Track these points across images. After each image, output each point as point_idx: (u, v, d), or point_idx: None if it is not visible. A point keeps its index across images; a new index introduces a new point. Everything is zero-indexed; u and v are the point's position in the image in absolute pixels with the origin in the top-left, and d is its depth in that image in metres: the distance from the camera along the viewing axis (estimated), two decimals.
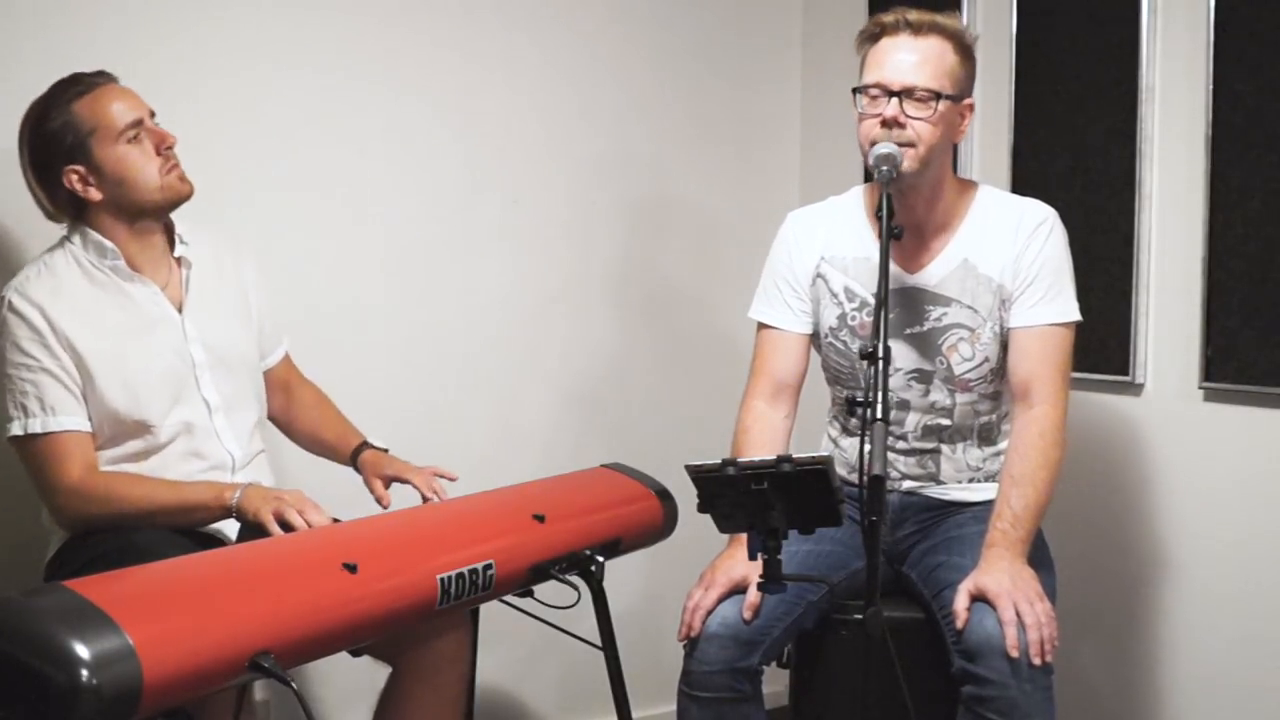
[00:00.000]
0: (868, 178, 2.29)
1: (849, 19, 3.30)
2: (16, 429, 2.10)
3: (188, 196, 2.22)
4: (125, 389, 2.14)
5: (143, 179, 2.16)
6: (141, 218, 2.20)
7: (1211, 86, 2.47)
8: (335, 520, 2.13)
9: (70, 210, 2.19)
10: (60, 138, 2.13)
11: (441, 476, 2.40)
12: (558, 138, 3.16)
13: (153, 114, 2.20)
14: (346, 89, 2.83)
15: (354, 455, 2.45)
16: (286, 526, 2.05)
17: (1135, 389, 2.66)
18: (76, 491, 2.09)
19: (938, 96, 2.14)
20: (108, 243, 2.18)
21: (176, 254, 2.28)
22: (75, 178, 2.14)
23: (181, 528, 2.12)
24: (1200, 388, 2.54)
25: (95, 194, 2.16)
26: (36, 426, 2.09)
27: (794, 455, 1.77)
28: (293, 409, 2.52)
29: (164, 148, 2.18)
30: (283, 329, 2.53)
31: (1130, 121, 2.63)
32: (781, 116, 3.52)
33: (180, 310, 2.25)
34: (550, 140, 3.15)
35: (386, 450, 2.45)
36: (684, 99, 3.35)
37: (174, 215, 2.26)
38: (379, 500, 2.35)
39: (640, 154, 3.29)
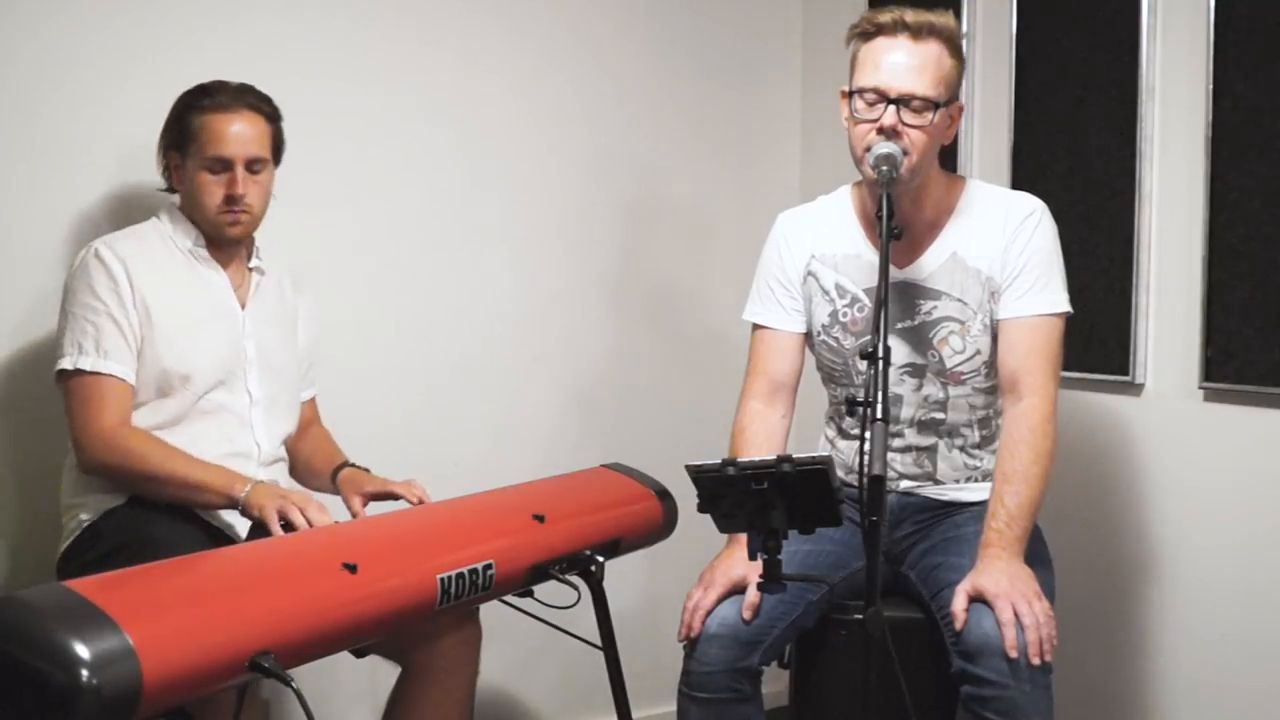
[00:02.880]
0: None
1: (849, 20, 3.28)
2: (67, 363, 2.18)
3: (232, 240, 2.33)
4: (180, 353, 2.23)
5: (201, 205, 2.29)
6: (201, 226, 2.33)
7: (1211, 86, 2.47)
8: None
9: (165, 178, 2.35)
10: (176, 126, 2.29)
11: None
12: (557, 138, 3.16)
13: (258, 160, 2.29)
14: (344, 92, 2.83)
15: (334, 474, 2.45)
16: (289, 526, 2.07)
17: (1135, 389, 2.66)
18: (105, 439, 2.15)
19: (935, 106, 2.13)
20: (195, 229, 2.32)
21: (251, 264, 2.39)
22: (173, 163, 2.32)
23: (186, 504, 2.16)
24: (1200, 388, 2.54)
25: (179, 184, 2.32)
26: (87, 364, 2.17)
27: (794, 455, 1.77)
28: (301, 446, 2.53)
29: (228, 195, 2.26)
30: (317, 375, 2.57)
31: (1130, 121, 2.63)
32: (782, 117, 3.52)
33: (244, 307, 2.35)
34: (550, 141, 3.15)
35: (367, 470, 2.45)
36: (684, 100, 3.35)
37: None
38: (353, 512, 2.35)
39: (640, 154, 3.29)
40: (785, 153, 3.52)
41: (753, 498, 1.77)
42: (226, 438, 2.28)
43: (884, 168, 2.08)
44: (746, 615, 2.12)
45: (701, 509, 1.83)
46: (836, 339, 2.33)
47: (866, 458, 1.76)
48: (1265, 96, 2.40)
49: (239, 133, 2.26)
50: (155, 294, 2.23)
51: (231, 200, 2.26)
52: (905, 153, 2.12)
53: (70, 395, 2.19)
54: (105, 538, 2.16)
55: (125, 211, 2.52)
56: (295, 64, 2.75)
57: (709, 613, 2.15)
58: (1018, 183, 2.81)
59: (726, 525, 1.87)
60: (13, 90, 2.44)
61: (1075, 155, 2.74)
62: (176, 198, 2.35)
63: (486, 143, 3.06)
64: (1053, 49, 2.79)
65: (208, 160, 2.25)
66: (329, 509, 2.12)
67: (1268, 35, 2.39)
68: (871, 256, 2.28)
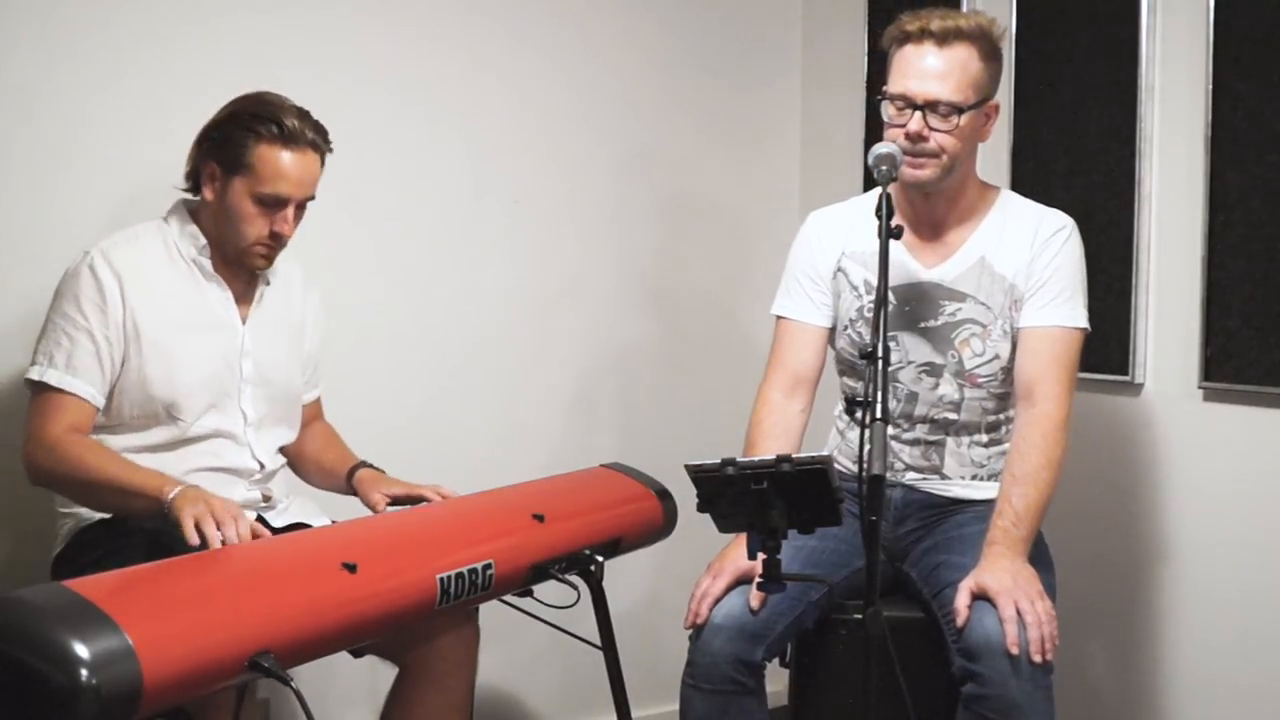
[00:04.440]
0: (870, 180, 2.29)
1: (848, 22, 3.30)
2: (34, 373, 2.13)
3: (253, 270, 2.27)
4: (168, 376, 2.17)
5: (240, 233, 2.20)
6: (222, 244, 2.25)
7: (1211, 86, 2.47)
8: (256, 536, 2.00)
9: (190, 180, 2.25)
10: (226, 142, 2.18)
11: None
12: (560, 139, 3.16)
13: (309, 199, 2.23)
14: (349, 91, 2.83)
15: (350, 475, 2.42)
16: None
17: (1135, 389, 2.67)
18: (49, 446, 2.08)
19: (960, 111, 2.15)
20: (202, 238, 2.24)
21: (264, 282, 2.32)
22: (209, 171, 2.20)
23: (123, 513, 2.07)
24: (1200, 388, 2.54)
25: (209, 195, 2.21)
26: (52, 379, 2.12)
27: (794, 455, 1.78)
28: (305, 444, 2.49)
29: (273, 233, 2.20)
30: (323, 373, 2.54)
31: (1130, 121, 2.63)
32: (781, 118, 3.52)
33: (244, 321, 2.29)
34: (552, 141, 3.15)
35: (383, 472, 2.43)
36: (685, 100, 3.35)
37: None
38: (374, 508, 2.32)
39: (640, 155, 3.29)
40: (785, 153, 3.52)
41: (752, 497, 1.77)
42: (215, 454, 2.23)
43: (883, 167, 2.10)
44: (754, 604, 2.13)
45: (701, 509, 1.84)
46: (860, 333, 2.35)
47: (866, 459, 1.76)
48: (1265, 96, 2.40)
49: (302, 175, 2.18)
50: (148, 313, 2.16)
51: (276, 238, 2.20)
52: (934, 156, 2.16)
53: (32, 404, 2.14)
54: (99, 542, 2.11)
55: (122, 211, 2.48)
56: (299, 66, 2.74)
57: (717, 600, 2.16)
58: (1018, 182, 2.82)
59: (726, 525, 1.87)
60: (13, 88, 2.44)
61: (1075, 155, 2.74)
62: (188, 196, 2.27)
63: (490, 145, 3.05)
64: (1053, 49, 2.79)
65: (263, 195, 2.16)
66: (248, 525, 1.97)
67: (1268, 35, 2.39)
68: (901, 255, 2.30)
